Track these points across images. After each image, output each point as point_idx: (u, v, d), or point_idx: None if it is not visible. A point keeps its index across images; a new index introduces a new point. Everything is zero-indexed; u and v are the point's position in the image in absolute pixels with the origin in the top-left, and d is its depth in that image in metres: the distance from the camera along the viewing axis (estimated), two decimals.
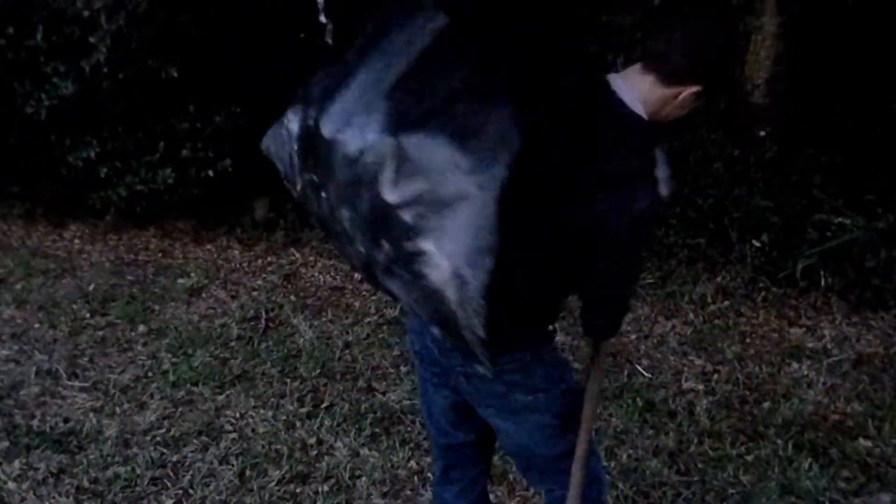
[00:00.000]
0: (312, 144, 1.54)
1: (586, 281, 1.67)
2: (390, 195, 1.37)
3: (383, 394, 3.64)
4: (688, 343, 4.11)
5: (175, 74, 5.52)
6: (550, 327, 1.87)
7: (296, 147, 1.62)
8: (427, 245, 1.35)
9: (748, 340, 4.09)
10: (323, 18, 10.89)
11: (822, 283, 4.30)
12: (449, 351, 1.75)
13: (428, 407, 2.04)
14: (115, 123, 5.76)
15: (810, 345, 3.99)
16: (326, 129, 1.49)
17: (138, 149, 5.80)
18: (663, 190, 1.50)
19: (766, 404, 3.52)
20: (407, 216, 1.36)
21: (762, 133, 5.11)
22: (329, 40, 10.36)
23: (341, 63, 1.54)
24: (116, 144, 5.76)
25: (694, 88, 1.62)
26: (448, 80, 1.41)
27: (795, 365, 3.84)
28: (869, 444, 3.16)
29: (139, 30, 5.35)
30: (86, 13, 5.17)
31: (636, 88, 1.61)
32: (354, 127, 1.43)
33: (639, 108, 1.59)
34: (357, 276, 5.18)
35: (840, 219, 4.41)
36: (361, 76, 1.48)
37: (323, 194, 1.57)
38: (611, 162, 1.50)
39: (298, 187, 1.66)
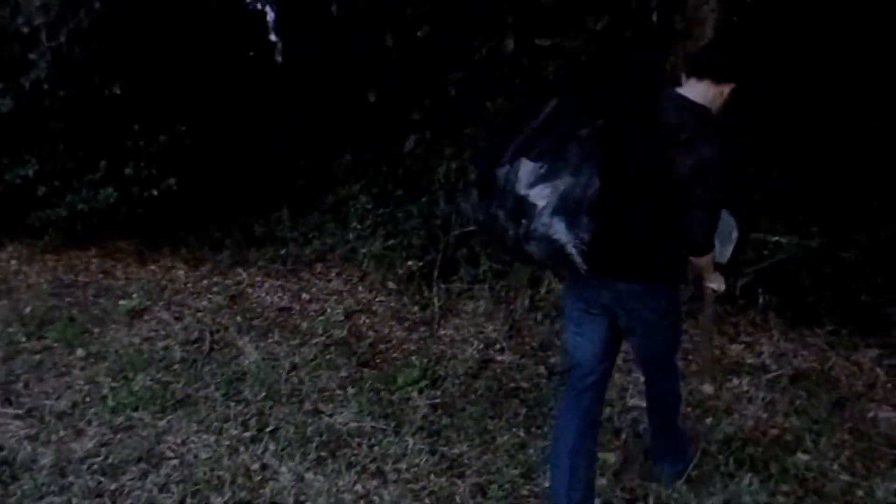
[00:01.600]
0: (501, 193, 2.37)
1: (689, 216, 2.40)
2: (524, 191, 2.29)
3: (330, 416, 3.61)
4: (632, 360, 4.15)
5: (119, 92, 5.43)
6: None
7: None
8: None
9: (691, 357, 4.16)
10: (273, 37, 10.87)
11: (760, 300, 4.40)
12: (624, 295, 2.52)
13: (582, 352, 2.71)
14: (56, 141, 5.64)
15: (750, 361, 4.08)
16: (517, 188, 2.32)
17: (79, 167, 5.68)
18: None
19: (709, 420, 3.58)
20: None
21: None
22: (279, 58, 10.33)
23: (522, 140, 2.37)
24: (56, 163, 5.64)
25: (731, 85, 2.48)
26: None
27: (736, 381, 3.92)
28: (807, 457, 3.24)
29: (82, 47, 5.26)
30: (26, 30, 5.06)
31: (698, 93, 2.47)
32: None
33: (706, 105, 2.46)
34: (305, 295, 5.15)
35: (776, 238, 4.53)
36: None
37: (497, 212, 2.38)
38: (702, 143, 2.34)
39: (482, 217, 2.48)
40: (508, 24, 5.22)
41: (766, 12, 5.12)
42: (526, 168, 2.28)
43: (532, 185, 2.27)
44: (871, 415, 3.61)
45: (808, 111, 4.99)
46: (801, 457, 3.24)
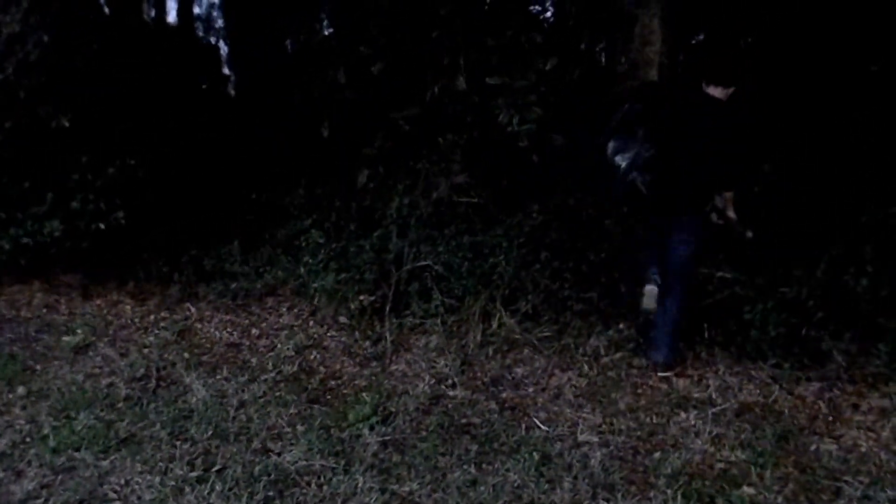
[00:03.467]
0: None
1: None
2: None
3: (279, 455, 3.55)
4: (583, 395, 4.20)
5: (67, 124, 5.35)
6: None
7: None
8: None
9: (640, 391, 4.22)
10: (226, 70, 10.85)
11: (706, 334, 4.51)
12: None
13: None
14: (0, 173, 5.51)
15: (697, 395, 4.15)
16: None
17: (24, 199, 5.55)
18: None
19: (657, 454, 3.62)
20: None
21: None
22: (232, 92, 10.32)
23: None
24: (0, 194, 5.50)
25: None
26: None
27: (683, 415, 3.98)
28: (752, 491, 3.30)
29: (29, 78, 5.17)
30: None
31: (715, 94, 4.04)
32: None
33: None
34: (255, 331, 5.08)
35: (721, 273, 4.65)
36: None
37: None
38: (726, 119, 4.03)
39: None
40: (460, 64, 5.30)
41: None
42: (611, 144, 4.01)
43: (615, 154, 3.99)
44: (813, 447, 3.69)
45: (746, 151, 5.15)
46: (747, 490, 3.30)
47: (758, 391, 4.15)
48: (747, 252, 4.58)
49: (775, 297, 4.30)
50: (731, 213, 4.30)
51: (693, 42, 6.92)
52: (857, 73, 5.46)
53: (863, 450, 3.67)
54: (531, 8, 7.08)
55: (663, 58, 5.36)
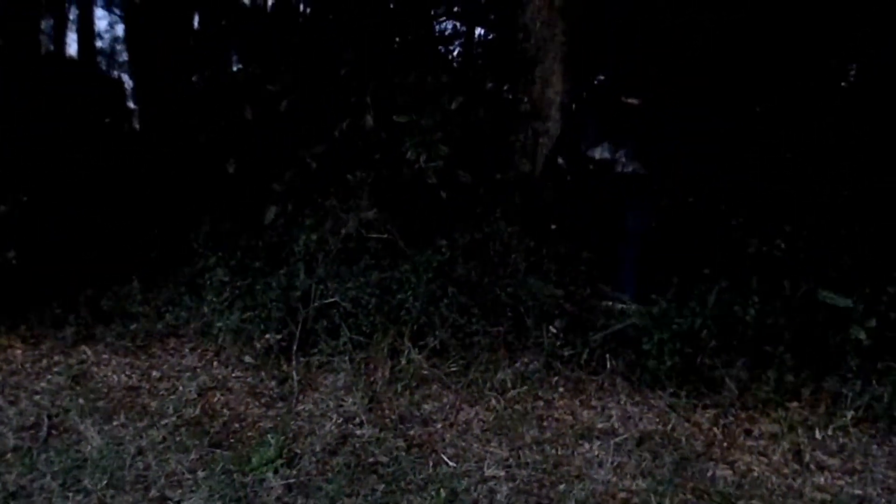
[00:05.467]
0: None
1: None
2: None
3: (178, 502, 3.43)
4: (490, 429, 4.24)
5: None
6: None
7: None
8: None
9: (545, 424, 4.29)
10: (131, 104, 10.59)
11: (608, 365, 4.64)
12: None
13: None
14: None
15: (600, 425, 4.25)
16: None
17: None
18: None
19: (562, 486, 3.69)
20: None
21: (553, 226, 5.53)
22: (136, 126, 10.06)
23: None
24: None
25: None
26: None
27: (587, 445, 4.07)
28: None
29: None
30: None
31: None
32: None
33: None
34: (155, 373, 4.92)
35: (621, 305, 4.81)
36: None
37: None
38: None
39: None
40: (368, 102, 5.36)
41: None
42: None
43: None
44: (709, 473, 3.84)
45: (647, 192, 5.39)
46: None
47: (657, 419, 4.29)
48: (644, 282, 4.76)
49: (670, 328, 4.47)
50: None
51: (595, 82, 7.21)
52: (745, 112, 5.81)
53: (755, 474, 3.85)
54: (438, 48, 7.26)
55: (564, 98, 5.57)
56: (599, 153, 5.45)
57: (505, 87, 6.68)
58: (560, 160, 5.68)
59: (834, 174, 5.25)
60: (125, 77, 11.33)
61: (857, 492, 3.71)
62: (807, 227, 4.96)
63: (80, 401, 4.48)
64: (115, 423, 4.24)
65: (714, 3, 6.05)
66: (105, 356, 5.17)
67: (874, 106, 5.71)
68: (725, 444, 4.10)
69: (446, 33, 9.09)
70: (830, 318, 4.50)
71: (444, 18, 8.94)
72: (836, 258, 4.79)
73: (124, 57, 12.31)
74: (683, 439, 4.11)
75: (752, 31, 5.78)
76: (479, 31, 9.27)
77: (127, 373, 4.94)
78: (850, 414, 4.17)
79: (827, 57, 5.94)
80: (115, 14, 12.52)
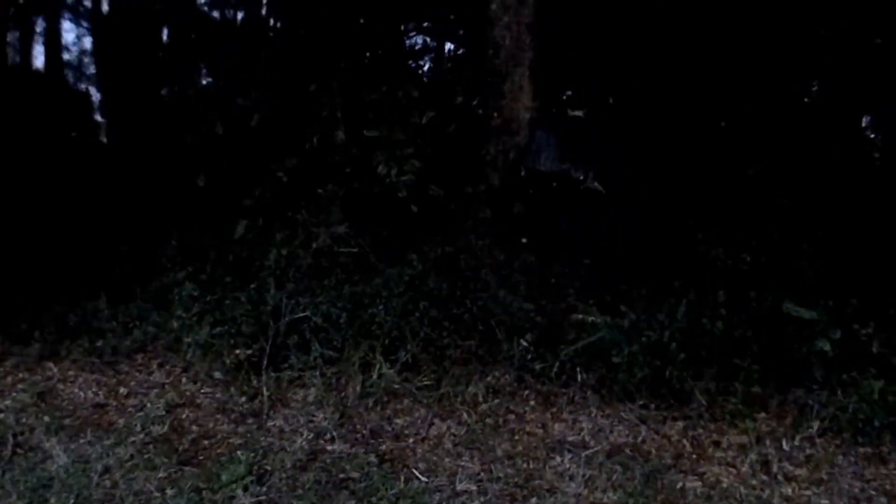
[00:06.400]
0: None
1: None
2: None
3: None
4: (462, 443, 4.23)
5: None
6: None
7: None
8: None
9: (517, 437, 4.29)
10: (98, 117, 10.48)
11: (579, 378, 4.66)
12: None
13: None
14: None
15: (571, 438, 4.26)
16: None
17: None
18: None
19: (534, 500, 3.69)
20: None
21: (524, 240, 5.58)
22: (104, 139, 9.95)
23: None
24: None
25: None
26: None
27: (559, 458, 4.08)
28: None
29: None
30: None
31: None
32: None
33: None
34: (123, 390, 4.85)
35: (592, 318, 4.85)
36: None
37: None
38: None
39: None
40: (338, 116, 5.37)
41: None
42: None
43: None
44: (679, 485, 3.86)
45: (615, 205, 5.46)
46: None
47: (627, 432, 4.31)
48: (612, 296, 4.81)
49: (640, 341, 4.51)
50: None
51: (563, 97, 7.30)
52: (711, 128, 5.92)
53: (724, 485, 3.87)
54: (408, 63, 7.30)
55: (533, 113, 5.63)
56: (559, 167, 5.46)
57: (475, 102, 6.75)
58: (523, 173, 5.72)
59: (797, 188, 5.35)
60: (93, 90, 11.20)
61: (824, 502, 3.75)
62: (772, 240, 5.05)
63: (46, 418, 4.40)
64: (81, 440, 4.17)
65: (682, 22, 6.17)
66: (71, 373, 5.09)
67: (835, 121, 5.85)
68: (695, 456, 4.14)
69: (416, 48, 9.16)
70: (796, 329, 4.57)
71: (414, 33, 9.01)
72: (801, 271, 4.88)
73: (92, 70, 12.16)
74: (653, 451, 4.13)
75: (717, 49, 5.90)
76: (449, 46, 9.35)
77: (94, 389, 4.86)
78: (816, 424, 4.22)
79: (789, 73, 6.08)
80: (83, 27, 12.37)
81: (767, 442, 4.16)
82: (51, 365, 5.19)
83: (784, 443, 4.15)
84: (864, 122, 7.24)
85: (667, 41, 6.02)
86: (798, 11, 5.94)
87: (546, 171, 5.45)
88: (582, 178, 5.46)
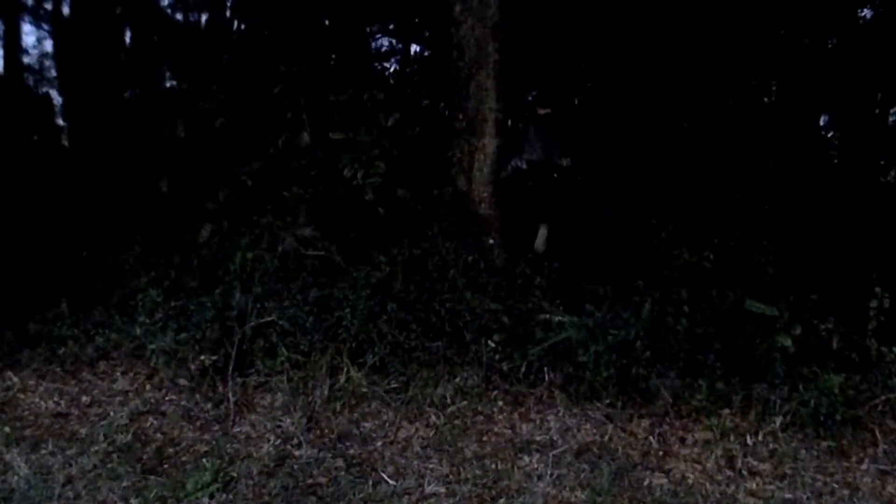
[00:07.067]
0: None
1: None
2: None
3: None
4: (430, 446, 4.23)
5: None
6: None
7: None
8: None
9: (485, 438, 4.30)
10: (60, 121, 10.29)
11: (546, 378, 4.69)
12: None
13: None
14: None
15: (539, 438, 4.28)
16: None
17: None
18: None
19: (502, 500, 3.70)
20: None
21: (490, 241, 5.59)
22: (65, 143, 9.78)
23: None
24: None
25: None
26: None
27: (527, 458, 4.09)
28: None
29: None
30: None
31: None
32: None
33: None
34: (85, 398, 4.76)
35: (559, 318, 4.87)
36: None
37: None
38: None
39: None
40: (303, 119, 5.34)
41: None
42: None
43: None
44: (646, 482, 3.90)
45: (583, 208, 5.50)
46: None
47: (594, 430, 4.35)
48: (579, 295, 4.84)
49: (606, 340, 4.54)
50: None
51: (529, 98, 7.33)
52: (671, 129, 5.99)
53: (690, 481, 3.93)
54: (374, 65, 7.28)
55: (499, 114, 5.64)
56: (522, 165, 5.50)
57: (441, 104, 6.75)
58: (490, 174, 5.74)
59: (757, 187, 5.44)
60: (54, 93, 10.99)
61: (788, 496, 3.81)
62: (734, 238, 5.13)
63: (6, 429, 4.32)
64: (42, 451, 4.10)
65: (644, 24, 6.23)
66: (32, 382, 4.99)
67: (793, 121, 5.95)
68: (661, 453, 4.18)
69: (382, 50, 9.15)
70: (757, 326, 4.64)
71: (379, 35, 8.99)
72: (762, 268, 4.95)
73: (53, 73, 11.93)
74: (620, 449, 4.17)
75: (678, 50, 5.97)
76: (414, 48, 9.36)
77: (55, 399, 4.78)
78: (778, 420, 4.29)
79: (749, 74, 6.18)
80: (44, 29, 12.14)
81: (732, 438, 4.22)
82: (10, 374, 5.08)
83: (748, 438, 4.22)
84: (822, 121, 7.40)
85: (629, 42, 6.09)
86: (757, 12, 6.03)
87: (509, 174, 5.49)
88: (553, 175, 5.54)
